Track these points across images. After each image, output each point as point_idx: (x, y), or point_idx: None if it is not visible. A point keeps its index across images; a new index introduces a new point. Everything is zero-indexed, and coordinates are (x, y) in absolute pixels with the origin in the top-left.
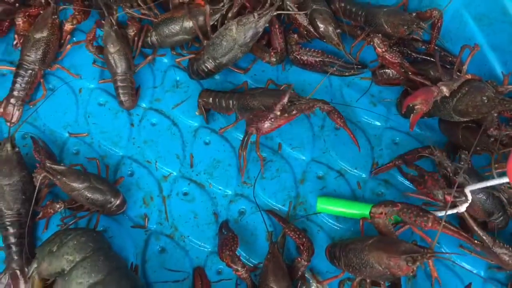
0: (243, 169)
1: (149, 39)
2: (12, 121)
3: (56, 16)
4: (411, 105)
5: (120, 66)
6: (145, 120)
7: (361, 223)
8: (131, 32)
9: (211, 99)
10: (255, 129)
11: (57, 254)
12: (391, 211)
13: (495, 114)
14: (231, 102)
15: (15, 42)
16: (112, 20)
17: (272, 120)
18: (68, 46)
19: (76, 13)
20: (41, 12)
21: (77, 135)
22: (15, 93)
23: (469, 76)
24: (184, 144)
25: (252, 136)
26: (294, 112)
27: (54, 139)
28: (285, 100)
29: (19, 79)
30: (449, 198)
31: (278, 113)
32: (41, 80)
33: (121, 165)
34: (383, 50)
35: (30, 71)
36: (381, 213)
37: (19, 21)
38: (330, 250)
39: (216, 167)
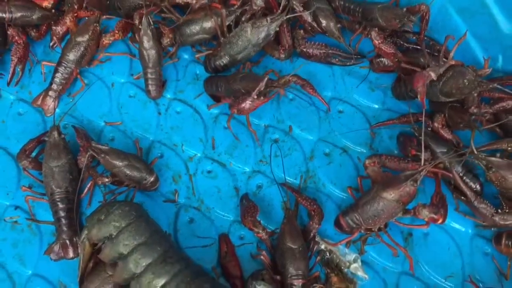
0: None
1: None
2: (49, 111)
3: (97, 24)
4: (416, 89)
5: (152, 60)
6: (171, 109)
7: (359, 181)
8: (166, 42)
9: (208, 85)
10: (237, 110)
11: (105, 221)
12: (380, 159)
13: (475, 95)
14: (219, 85)
15: (51, 43)
16: (150, 20)
17: (251, 102)
18: (101, 55)
19: (116, 31)
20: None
21: (112, 124)
22: (54, 86)
23: (453, 62)
24: (206, 129)
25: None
26: (270, 94)
27: (92, 128)
28: (262, 86)
29: (57, 75)
30: (413, 151)
31: (255, 97)
32: (79, 76)
33: (152, 148)
34: (379, 42)
35: (68, 68)
36: (374, 162)
37: (68, 20)
38: (344, 218)
39: (235, 148)
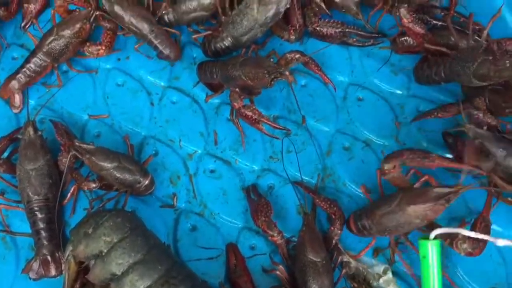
0: (242, 135)
1: (166, 16)
2: (14, 105)
3: (86, 21)
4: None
5: (142, 26)
6: (165, 99)
7: (378, 175)
8: None
9: (202, 71)
10: (238, 113)
11: (94, 235)
12: (401, 161)
13: None
14: (214, 70)
15: (23, 24)
16: None
17: (257, 116)
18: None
19: (103, 47)
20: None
21: (97, 117)
22: (19, 76)
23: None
24: (207, 121)
25: None
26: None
27: (74, 122)
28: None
29: (28, 66)
30: (473, 162)
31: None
32: (56, 72)
33: (145, 145)
34: (410, 20)
35: (41, 62)
36: (394, 166)
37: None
38: (355, 222)
39: (241, 143)
